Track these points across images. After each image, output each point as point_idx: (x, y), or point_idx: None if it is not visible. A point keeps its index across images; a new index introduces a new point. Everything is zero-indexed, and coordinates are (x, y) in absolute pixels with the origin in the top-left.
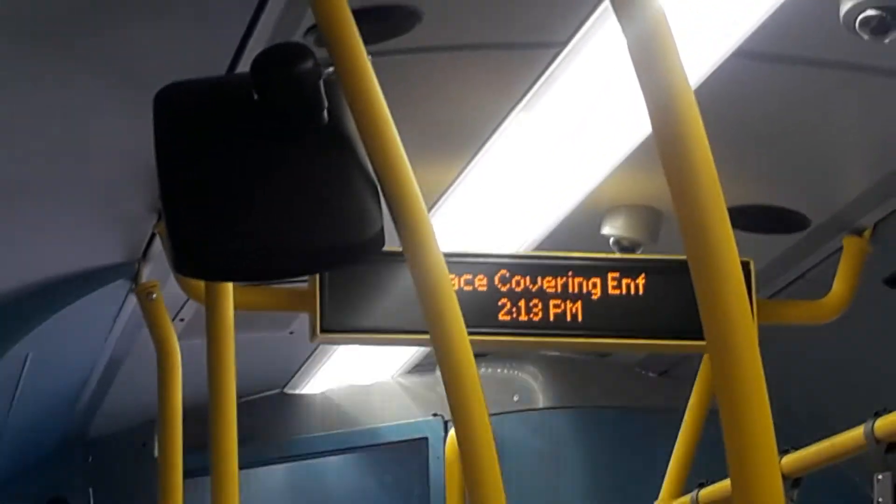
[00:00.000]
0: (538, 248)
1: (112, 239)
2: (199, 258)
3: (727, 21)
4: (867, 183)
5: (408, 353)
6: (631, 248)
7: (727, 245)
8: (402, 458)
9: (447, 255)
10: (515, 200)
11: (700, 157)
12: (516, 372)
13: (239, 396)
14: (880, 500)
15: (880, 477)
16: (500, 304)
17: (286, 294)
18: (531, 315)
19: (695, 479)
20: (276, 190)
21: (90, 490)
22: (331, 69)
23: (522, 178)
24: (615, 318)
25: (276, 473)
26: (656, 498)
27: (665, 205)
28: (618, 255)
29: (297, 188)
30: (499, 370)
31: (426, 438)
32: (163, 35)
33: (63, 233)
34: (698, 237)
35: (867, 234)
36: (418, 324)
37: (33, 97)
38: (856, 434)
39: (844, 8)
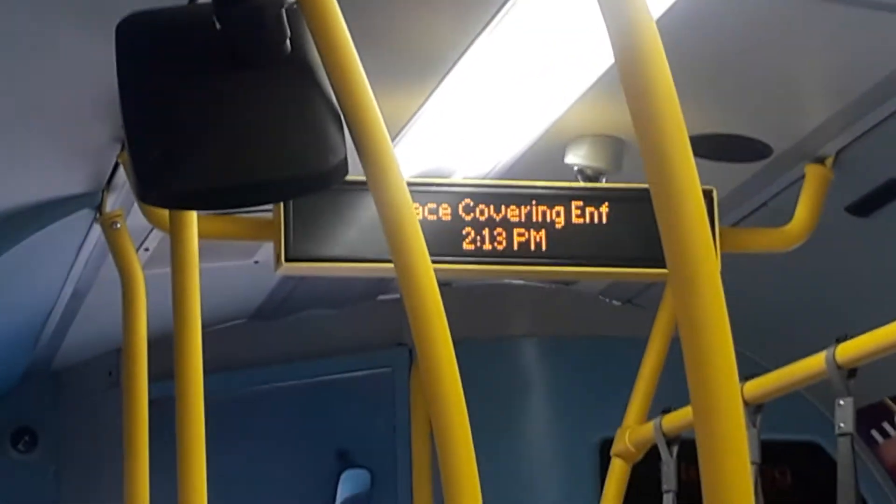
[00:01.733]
0: (502, 177)
1: (75, 168)
2: (163, 187)
3: None
4: (829, 111)
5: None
6: (595, 178)
7: (688, 173)
8: (368, 388)
9: (411, 184)
10: (479, 130)
11: (662, 85)
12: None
13: (204, 326)
14: (842, 424)
15: (842, 402)
16: (464, 232)
17: (251, 223)
18: (495, 244)
19: (658, 405)
20: (238, 119)
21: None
22: None
23: (486, 107)
24: (579, 247)
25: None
26: (620, 424)
27: (629, 134)
28: (581, 184)
29: (259, 117)
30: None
31: (390, 370)
32: None
33: (24, 162)
34: (659, 165)
35: (829, 161)
36: (383, 252)
37: None
38: (818, 360)
39: None
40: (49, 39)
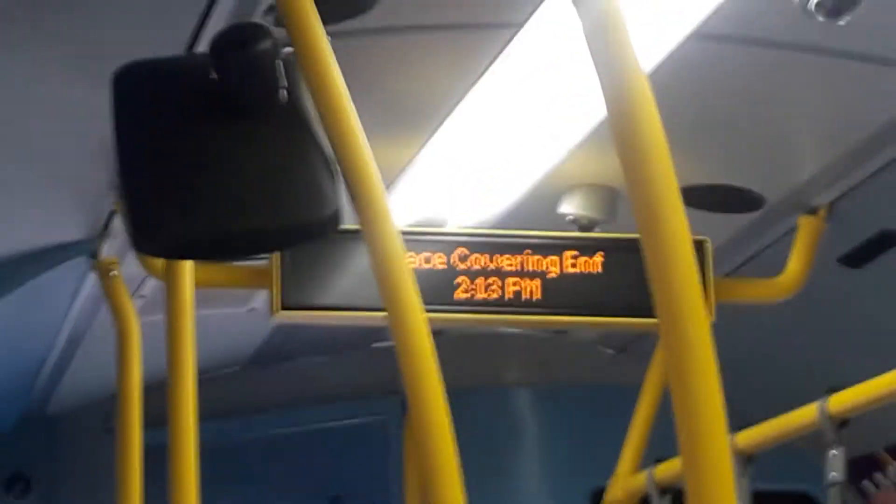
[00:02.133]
0: (496, 226)
1: (71, 215)
2: (158, 236)
3: (683, 4)
4: (822, 162)
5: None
6: (588, 227)
7: (679, 225)
8: (362, 436)
9: (405, 234)
10: (473, 179)
11: (652, 138)
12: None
13: (198, 373)
14: (833, 474)
15: (834, 452)
16: (457, 282)
17: (246, 271)
18: (489, 293)
19: (652, 454)
20: (234, 169)
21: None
22: (289, 49)
23: (480, 157)
24: (572, 296)
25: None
26: (612, 473)
27: (622, 184)
28: (575, 234)
29: (255, 167)
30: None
31: (384, 418)
32: (122, 12)
33: (21, 209)
34: (650, 217)
35: (822, 213)
36: (377, 301)
37: None
38: (810, 411)
39: None
40: (46, 87)
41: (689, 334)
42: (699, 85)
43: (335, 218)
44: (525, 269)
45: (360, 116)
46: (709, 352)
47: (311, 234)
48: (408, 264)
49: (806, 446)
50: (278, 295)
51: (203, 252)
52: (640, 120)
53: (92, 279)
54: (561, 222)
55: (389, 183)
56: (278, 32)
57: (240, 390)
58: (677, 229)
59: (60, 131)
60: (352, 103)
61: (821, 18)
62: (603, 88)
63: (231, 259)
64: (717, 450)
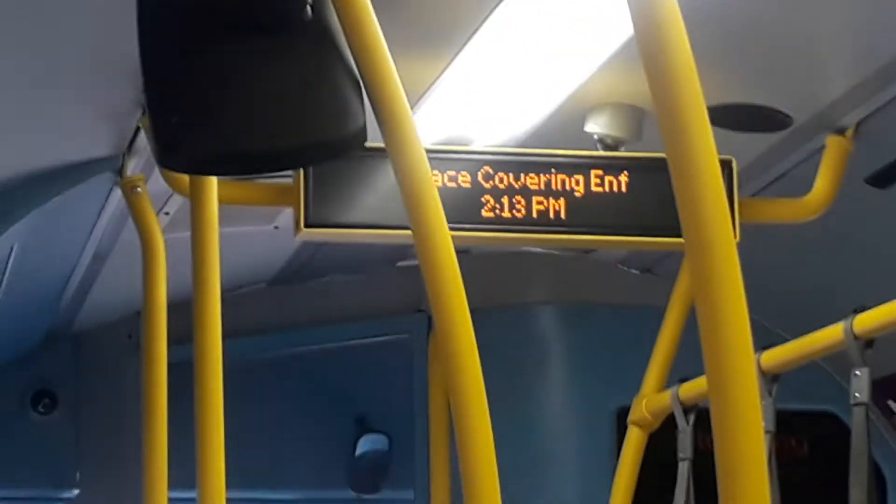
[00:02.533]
0: (522, 145)
1: (97, 132)
2: (182, 151)
3: None
4: (850, 81)
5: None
6: (614, 146)
7: (706, 143)
8: (386, 354)
9: (430, 152)
10: (499, 98)
11: (680, 55)
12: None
13: (223, 290)
14: (857, 394)
15: (858, 372)
16: (482, 200)
17: (270, 188)
18: (514, 212)
19: (676, 374)
20: (259, 85)
21: (76, 382)
22: None
23: (506, 75)
24: (597, 216)
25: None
26: (637, 392)
27: (649, 103)
28: (601, 153)
29: (280, 83)
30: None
31: (409, 336)
32: None
33: (47, 125)
34: (677, 135)
35: (850, 132)
36: (402, 219)
37: None
38: (835, 330)
39: None
40: (72, 3)
41: (716, 253)
42: (724, 2)
43: (360, 135)
44: (550, 188)
45: (385, 34)
46: (735, 271)
47: (336, 152)
48: (433, 182)
49: (831, 367)
50: (303, 212)
51: (227, 167)
52: (667, 38)
53: (117, 196)
54: (587, 141)
55: (414, 101)
56: None
57: (264, 308)
58: (704, 148)
59: (87, 47)
60: (377, 20)
61: None
62: (630, 6)
63: (255, 174)
64: (743, 368)
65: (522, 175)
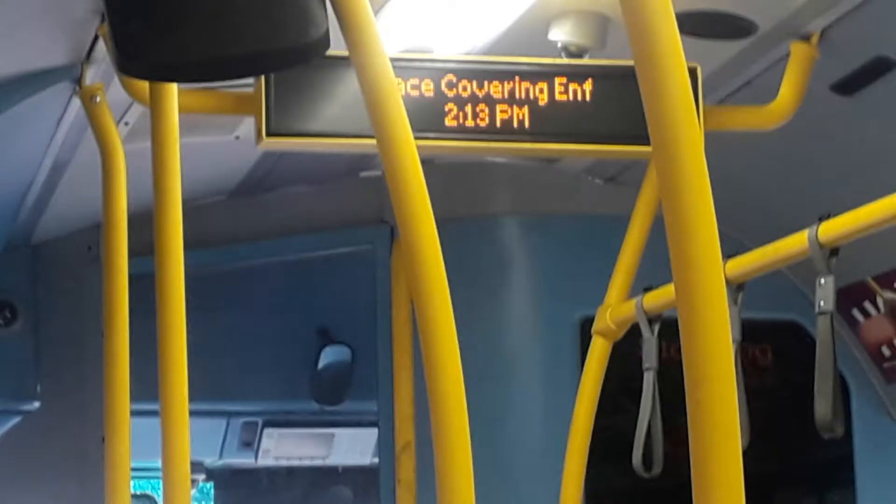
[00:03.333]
0: (485, 53)
1: (55, 40)
2: (143, 58)
3: None
4: None
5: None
6: (578, 54)
7: (674, 49)
8: (349, 266)
9: (393, 60)
10: (462, 6)
11: None
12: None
13: (184, 202)
14: (822, 303)
15: (823, 281)
16: (446, 108)
17: (232, 97)
18: (478, 120)
19: (640, 283)
20: None
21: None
22: None
23: None
24: (562, 124)
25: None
26: (601, 302)
27: (614, 10)
28: (565, 61)
29: None
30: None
31: (372, 247)
32: None
33: (3, 35)
34: (645, 41)
35: (815, 39)
36: (365, 128)
37: None
38: (800, 238)
39: None
40: None
41: (684, 159)
42: None
43: (322, 41)
44: (514, 97)
45: None
46: (703, 176)
47: (298, 58)
48: (397, 90)
49: (796, 276)
50: (264, 121)
51: (188, 74)
52: None
53: (76, 106)
54: (551, 49)
55: (377, 10)
56: None
57: (226, 220)
58: (672, 52)
59: None
60: None
61: None
62: None
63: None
64: (712, 275)
65: (486, 83)
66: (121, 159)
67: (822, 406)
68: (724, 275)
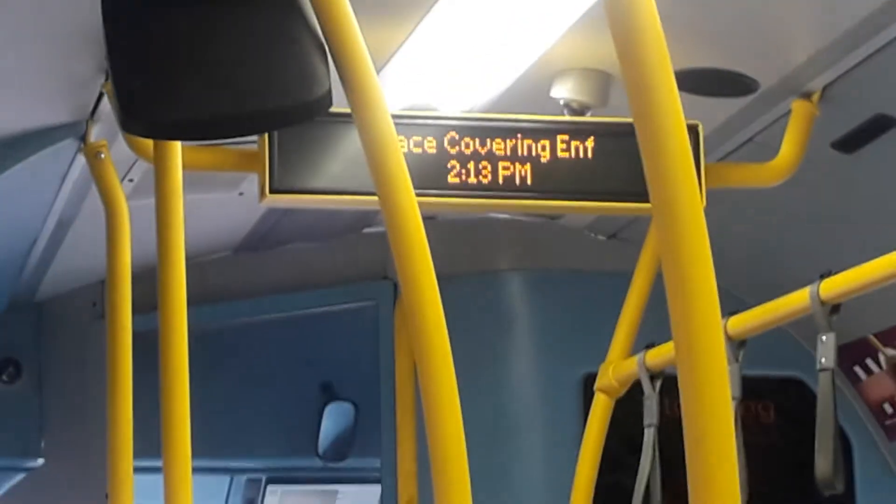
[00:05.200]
0: (488, 110)
1: (60, 98)
2: (146, 116)
3: None
4: (817, 45)
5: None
6: (581, 112)
7: (673, 108)
8: (352, 322)
9: (395, 117)
10: (465, 63)
11: (647, 19)
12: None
13: (188, 258)
14: (823, 360)
15: (824, 338)
16: (448, 166)
17: (235, 154)
18: (480, 177)
19: (643, 340)
20: (223, 48)
21: (40, 351)
22: None
23: (472, 40)
24: (564, 181)
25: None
26: (603, 359)
27: (616, 68)
28: (567, 118)
29: (244, 47)
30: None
31: (375, 303)
32: None
33: (8, 92)
34: (644, 100)
35: (816, 97)
36: (368, 185)
37: None
38: (802, 296)
39: None
40: None
41: (683, 217)
42: None
43: (325, 99)
44: (517, 154)
45: None
46: (703, 234)
47: (301, 116)
48: (399, 148)
49: (798, 332)
50: (268, 178)
51: (191, 132)
52: (634, 1)
53: (81, 163)
54: (553, 107)
55: (380, 67)
56: None
57: (229, 276)
58: (671, 111)
59: (49, 12)
60: None
61: None
62: None
63: (220, 139)
64: (711, 333)
65: (488, 140)
66: (125, 216)
67: (823, 462)
68: (726, 331)
